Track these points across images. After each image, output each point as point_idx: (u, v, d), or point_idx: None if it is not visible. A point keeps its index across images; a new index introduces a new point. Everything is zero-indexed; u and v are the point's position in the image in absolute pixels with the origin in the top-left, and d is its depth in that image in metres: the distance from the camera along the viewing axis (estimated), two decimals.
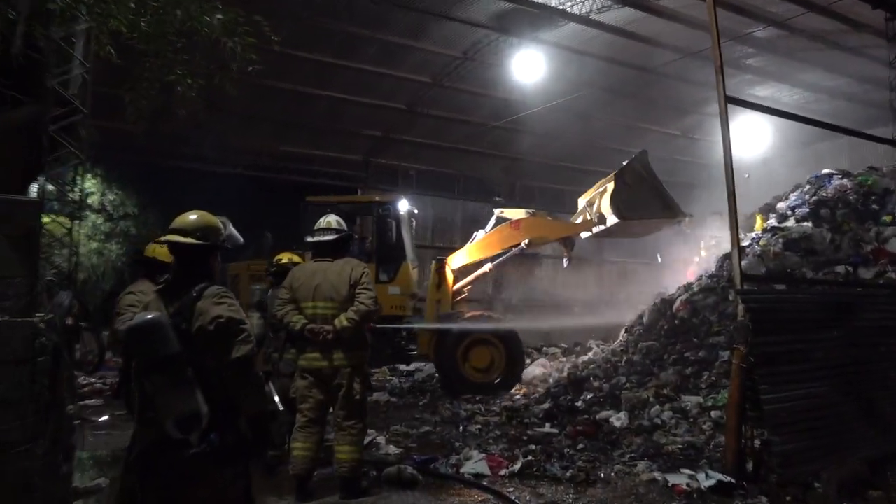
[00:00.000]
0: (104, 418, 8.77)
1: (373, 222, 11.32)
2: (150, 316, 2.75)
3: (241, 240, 3.53)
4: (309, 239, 5.68)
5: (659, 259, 18.37)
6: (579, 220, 10.92)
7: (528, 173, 21.31)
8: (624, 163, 10.26)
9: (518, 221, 11.07)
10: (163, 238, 3.09)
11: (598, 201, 10.27)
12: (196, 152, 16.37)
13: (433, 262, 11.61)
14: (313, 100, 16.17)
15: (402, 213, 11.36)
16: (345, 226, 5.70)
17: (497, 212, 11.94)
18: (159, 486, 2.73)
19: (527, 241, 10.72)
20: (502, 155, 20.29)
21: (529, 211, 11.47)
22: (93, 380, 11.40)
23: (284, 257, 6.94)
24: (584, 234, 10.78)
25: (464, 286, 11.55)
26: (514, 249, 10.93)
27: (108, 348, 12.03)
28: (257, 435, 2.81)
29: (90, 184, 14.51)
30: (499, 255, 11.19)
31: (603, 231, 10.29)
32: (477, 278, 11.55)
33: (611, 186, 9.98)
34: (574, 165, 20.84)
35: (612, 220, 9.89)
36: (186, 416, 2.61)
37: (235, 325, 2.81)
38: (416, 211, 12.40)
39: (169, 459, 2.70)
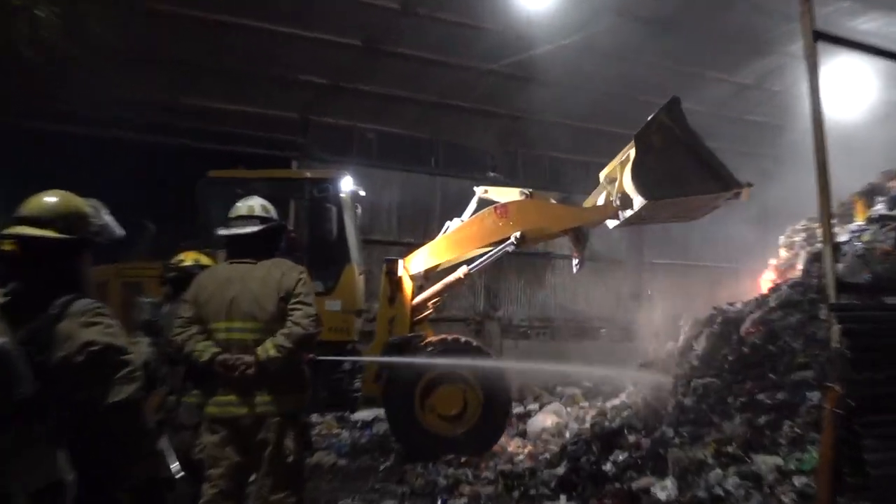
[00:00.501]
0: None
1: (304, 209, 11.23)
2: None
3: (120, 232, 3.44)
4: (221, 231, 5.62)
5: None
6: (595, 204, 10.81)
7: (536, 138, 21.33)
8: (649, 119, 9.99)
9: (505, 206, 10.81)
10: (7, 231, 2.99)
11: (619, 176, 10.09)
12: (66, 109, 16.18)
13: (384, 263, 11.48)
14: (231, 33, 16.03)
15: (344, 195, 11.30)
16: (273, 213, 5.67)
17: (479, 191, 11.72)
18: None
19: (518, 235, 10.48)
20: (499, 112, 20.36)
21: (525, 191, 11.13)
22: None
23: (188, 258, 6.90)
24: (611, 223, 10.52)
25: (429, 299, 11.34)
26: (500, 247, 10.73)
27: None
28: None
29: None
30: (484, 255, 11.02)
31: (631, 217, 10.01)
32: (447, 288, 11.32)
33: (632, 154, 9.77)
34: (599, 127, 20.87)
35: (638, 201, 9.65)
36: (42, 488, 2.55)
37: (114, 354, 2.75)
38: (361, 192, 12.34)
39: None
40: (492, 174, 20.45)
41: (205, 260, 6.88)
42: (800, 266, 11.36)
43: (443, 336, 11.14)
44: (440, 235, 11.47)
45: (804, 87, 6.37)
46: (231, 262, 5.45)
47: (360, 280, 11.45)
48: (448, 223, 11.55)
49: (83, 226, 3.02)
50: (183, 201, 12.73)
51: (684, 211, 10.29)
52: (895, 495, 5.45)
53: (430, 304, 11.48)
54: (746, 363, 9.01)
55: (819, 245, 8.81)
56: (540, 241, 11.36)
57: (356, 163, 18.68)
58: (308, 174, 12.00)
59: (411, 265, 11.29)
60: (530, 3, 15.04)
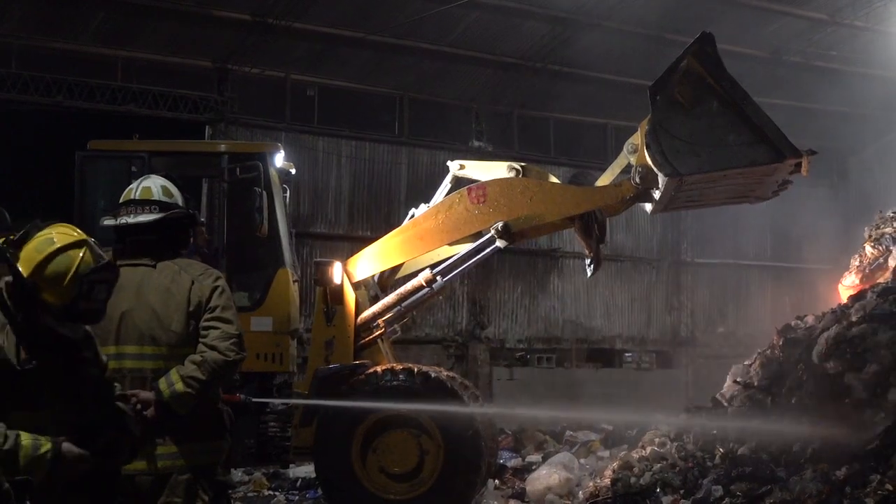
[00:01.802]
0: None
1: (221, 194, 11.21)
2: None
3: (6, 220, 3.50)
4: (107, 222, 5.61)
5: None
6: (608, 181, 10.54)
7: (536, 91, 21.43)
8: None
9: (483, 187, 10.59)
10: None
11: (641, 145, 9.87)
12: None
13: (315, 266, 11.45)
14: None
15: (275, 175, 11.28)
16: (178, 196, 5.65)
17: (453, 167, 11.57)
18: None
19: (500, 226, 10.37)
20: (485, 57, 20.41)
21: (515, 166, 10.86)
22: None
23: None
24: (648, 207, 10.28)
25: (380, 314, 11.20)
26: (479, 247, 10.58)
27: None
28: None
29: None
30: (462, 255, 10.97)
31: (668, 200, 9.71)
32: (403, 299, 11.13)
33: (651, 116, 9.57)
34: (620, 78, 20.95)
35: (662, 179, 9.25)
36: None
37: None
38: (292, 170, 12.23)
39: None
40: (477, 143, 20.49)
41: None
42: (892, 266, 11.46)
43: (391, 366, 10.81)
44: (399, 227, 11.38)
45: (891, 24, 6.45)
46: (122, 264, 5.42)
47: (295, 290, 11.42)
48: (413, 210, 11.37)
49: None
50: (56, 180, 12.70)
51: (738, 190, 10.12)
52: None
53: (381, 321, 11.31)
54: (820, 397, 9.08)
55: None
56: (534, 234, 11.13)
57: (291, 128, 18.75)
58: (226, 146, 11.93)
59: (357, 269, 11.13)
60: None
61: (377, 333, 11.04)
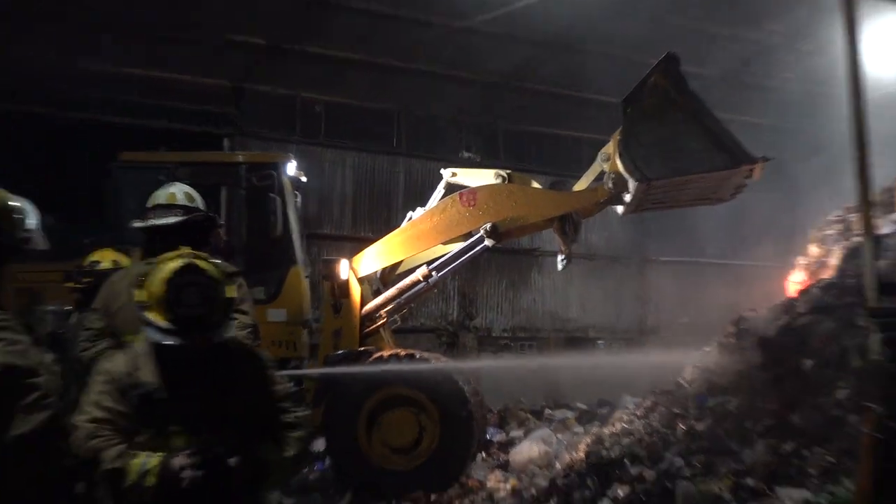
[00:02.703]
0: None
1: (239, 200, 11.18)
2: None
3: (44, 245, 3.43)
4: (137, 224, 5.62)
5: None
6: (584, 186, 10.65)
7: (518, 110, 21.44)
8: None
9: (472, 192, 10.67)
10: None
11: (613, 154, 9.91)
12: None
13: (324, 264, 11.48)
14: None
15: (288, 182, 11.28)
16: (199, 201, 5.67)
17: (446, 175, 11.63)
18: None
19: (488, 227, 10.48)
20: (472, 77, 20.40)
21: (502, 173, 10.98)
22: None
23: (105, 258, 6.89)
24: (620, 210, 9.94)
25: (382, 305, 11.28)
26: (470, 245, 10.64)
27: None
28: None
29: None
30: (454, 252, 11.00)
31: (638, 203, 9.66)
32: (402, 293, 11.16)
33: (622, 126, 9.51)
34: (594, 96, 20.97)
35: (632, 184, 9.33)
36: None
37: (19, 377, 2.74)
38: (303, 178, 12.26)
39: None
40: (466, 154, 20.50)
41: (125, 261, 6.86)
42: (834, 264, 11.49)
43: (393, 351, 11.06)
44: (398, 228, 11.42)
45: (838, 48, 6.47)
46: (149, 263, 5.43)
47: (306, 285, 11.44)
48: (410, 213, 11.50)
49: (13, 230, 3.02)
50: (90, 189, 12.66)
51: (701, 192, 10.08)
52: None
53: (382, 312, 11.39)
54: (770, 380, 9.11)
55: (857, 239, 8.92)
56: (518, 234, 11.12)
57: (301, 141, 18.74)
58: (244, 157, 11.90)
59: (361, 266, 11.25)
60: None
61: (380, 323, 11.29)
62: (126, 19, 16.65)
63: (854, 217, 10.51)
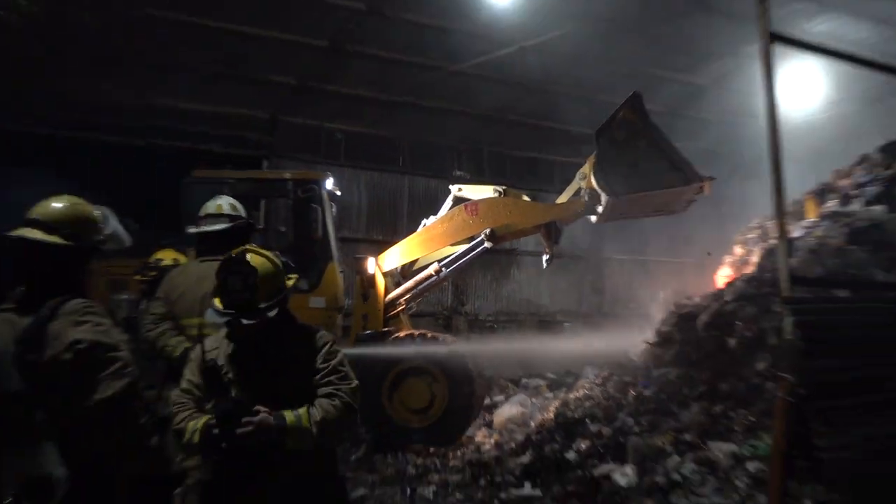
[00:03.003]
0: None
1: (287, 208, 11.22)
2: None
3: (129, 239, 3.45)
4: (191, 230, 5.62)
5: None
6: (565, 200, 10.74)
7: (500, 138, 21.43)
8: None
9: (475, 204, 10.84)
10: (13, 232, 2.95)
11: (588, 174, 10.04)
12: (33, 109, 16.04)
13: (355, 261, 11.64)
14: (200, 35, 15.93)
15: (326, 195, 11.32)
16: (242, 210, 5.66)
17: (454, 189, 11.84)
18: None
19: (488, 232, 10.52)
20: (465, 111, 20.34)
21: (498, 188, 11.17)
22: None
23: (167, 256, 6.88)
24: (593, 218, 10.16)
25: (400, 295, 11.45)
26: (473, 246, 10.80)
27: None
28: None
29: None
30: (459, 252, 11.09)
31: (607, 213, 9.78)
32: (419, 284, 11.35)
33: (596, 151, 9.67)
34: (563, 127, 20.99)
35: (604, 198, 9.55)
36: (32, 482, 2.54)
37: (102, 351, 2.72)
38: (337, 192, 12.31)
39: None
40: (458, 172, 20.45)
41: (183, 259, 6.86)
42: (754, 261, 11.49)
43: (410, 331, 11.18)
44: (415, 232, 11.55)
45: (758, 89, 6.47)
46: (202, 260, 5.42)
47: (340, 277, 11.48)
48: (424, 220, 11.62)
49: (90, 233, 3.00)
50: (158, 199, 12.62)
51: (659, 205, 10.25)
52: (844, 478, 5.56)
53: (402, 300, 11.50)
54: (703, 355, 9.11)
55: (773, 241, 8.92)
56: (511, 238, 11.19)
57: (324, 162, 18.70)
58: (292, 175, 11.88)
59: (385, 262, 11.42)
60: (493, 5, 15.05)
61: (399, 309, 11.45)
62: (184, 64, 16.64)
63: (770, 223, 10.51)
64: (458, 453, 9.72)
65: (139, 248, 8.07)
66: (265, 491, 3.24)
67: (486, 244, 10.61)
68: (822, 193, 12.66)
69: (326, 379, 3.10)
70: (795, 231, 10.40)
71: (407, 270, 11.69)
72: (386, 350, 10.64)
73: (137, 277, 7.36)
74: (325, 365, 3.17)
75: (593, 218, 10.01)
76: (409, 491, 8.01)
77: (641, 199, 9.81)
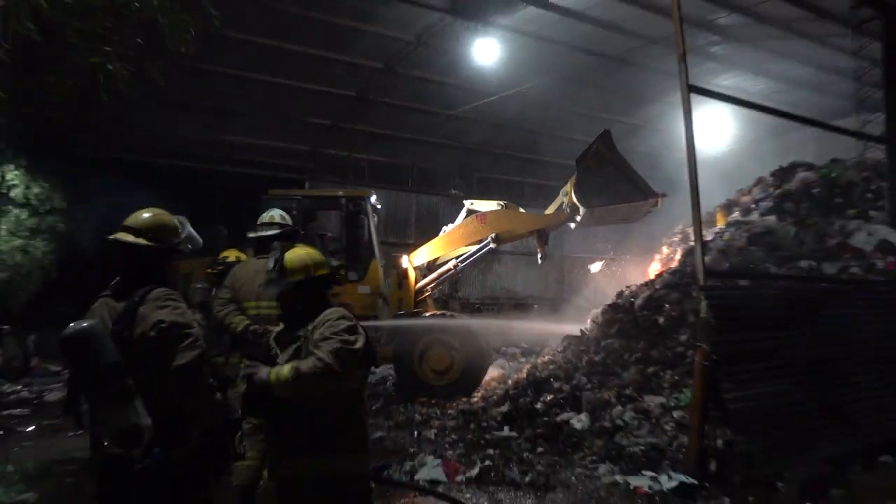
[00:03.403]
0: (31, 428, 8.56)
1: (341, 218, 11.26)
2: (84, 324, 2.66)
3: (201, 241, 3.48)
4: (251, 234, 5.63)
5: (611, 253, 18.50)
6: (552, 212, 10.85)
7: (486, 164, 21.44)
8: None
9: (484, 214, 11.01)
10: (111, 236, 2.99)
11: (570, 191, 10.20)
12: (128, 143, 16.06)
13: (393, 257, 11.70)
14: (256, 86, 15.96)
15: (370, 208, 11.37)
16: (289, 220, 5.67)
17: (467, 203, 11.92)
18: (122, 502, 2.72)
19: (493, 236, 10.66)
20: (458, 145, 20.36)
21: (501, 203, 11.36)
22: (18, 387, 11.12)
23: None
24: (573, 226, 10.42)
25: (427, 284, 11.51)
26: (482, 245, 10.87)
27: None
28: (211, 448, 2.76)
29: (12, 175, 14.10)
30: (470, 252, 11.16)
31: (584, 221, 10.03)
32: (441, 276, 11.47)
33: (576, 174, 9.87)
34: (533, 157, 21.11)
35: (581, 209, 9.75)
36: (124, 431, 2.56)
37: (179, 329, 2.74)
38: (378, 206, 12.33)
39: (120, 476, 2.67)
40: (453, 192, 20.41)
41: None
42: (677, 258, 11.48)
43: (434, 311, 11.32)
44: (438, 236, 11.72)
45: (681, 128, 6.48)
46: (258, 258, 5.43)
47: (381, 270, 11.51)
48: (444, 227, 11.77)
49: (170, 237, 3.03)
50: (223, 212, 12.60)
51: (624, 215, 10.31)
52: (747, 424, 5.56)
53: (428, 287, 11.61)
54: (639, 329, 9.09)
55: (692, 243, 8.95)
56: (512, 240, 11.33)
57: (352, 184, 18.68)
58: (345, 192, 11.92)
59: (415, 259, 11.52)
60: (480, 65, 15.08)
61: (426, 295, 11.60)
62: (243, 107, 16.63)
63: (689, 229, 10.50)
64: (454, 404, 9.69)
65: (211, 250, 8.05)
66: (278, 434, 3.17)
67: (492, 245, 10.78)
68: (728, 207, 12.67)
69: (318, 343, 3.04)
70: (709, 235, 10.40)
71: (431, 265, 11.72)
72: (416, 325, 10.72)
73: (209, 270, 7.32)
74: (322, 330, 3.11)
75: (572, 225, 10.23)
76: (416, 433, 7.99)
77: (610, 211, 9.91)
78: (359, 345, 3.08)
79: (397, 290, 11.35)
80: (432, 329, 10.72)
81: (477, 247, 11.00)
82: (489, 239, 10.70)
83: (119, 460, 2.62)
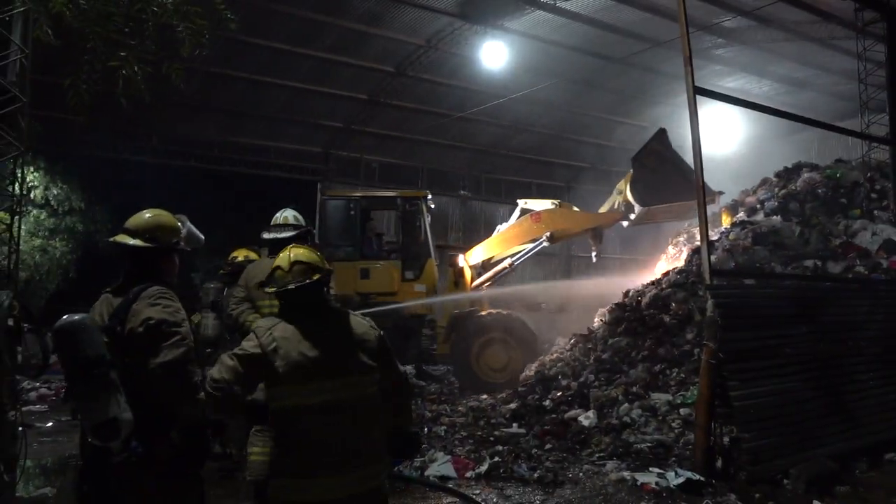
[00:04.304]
0: (49, 424, 8.62)
1: (397, 218, 11.31)
2: (75, 317, 2.69)
3: (203, 239, 3.50)
4: (265, 235, 5.62)
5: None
6: (606, 210, 10.78)
7: (494, 166, 21.38)
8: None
9: (539, 213, 10.98)
10: (111, 238, 3.03)
11: (624, 188, 10.14)
12: (145, 144, 16.13)
13: (449, 256, 11.84)
14: (269, 89, 15.98)
15: (426, 208, 11.40)
16: (303, 221, 5.66)
17: (521, 203, 11.87)
18: (100, 495, 2.73)
19: (548, 234, 10.62)
20: (467, 147, 20.31)
21: (555, 202, 11.37)
22: (37, 384, 11.18)
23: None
24: (626, 224, 10.43)
25: (482, 282, 11.50)
26: (536, 244, 10.86)
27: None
28: (191, 446, 2.75)
29: (32, 177, 14.18)
30: (525, 251, 11.17)
31: (637, 219, 9.99)
32: (496, 274, 11.45)
33: (631, 172, 9.83)
34: (541, 158, 21.04)
35: (637, 207, 9.71)
36: (103, 423, 2.57)
37: (167, 326, 2.74)
38: (432, 205, 12.30)
39: (103, 468, 2.69)
40: (462, 192, 20.44)
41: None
42: (684, 258, 11.44)
43: (491, 310, 11.29)
44: (492, 236, 11.78)
45: (687, 129, 6.45)
46: (272, 258, 5.42)
47: (436, 269, 11.52)
48: (498, 227, 11.83)
49: (167, 236, 3.05)
50: (234, 212, 12.61)
51: (677, 213, 10.25)
52: (753, 421, 5.54)
53: (484, 286, 11.57)
54: (646, 328, 9.07)
55: (698, 243, 8.91)
56: (566, 239, 11.45)
57: (363, 185, 18.67)
58: (401, 193, 11.95)
59: (470, 258, 11.56)
60: (489, 68, 15.07)
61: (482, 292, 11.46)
62: (257, 110, 16.68)
63: (695, 229, 10.47)
64: (464, 401, 9.69)
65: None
66: None
67: (546, 244, 10.76)
68: (734, 207, 12.62)
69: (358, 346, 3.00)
70: (714, 235, 10.34)
71: (486, 264, 11.69)
72: (473, 323, 10.79)
73: (222, 271, 7.33)
74: (357, 336, 3.06)
75: (625, 224, 10.22)
76: (426, 430, 7.98)
77: (664, 209, 9.84)
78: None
79: (454, 288, 11.42)
80: (489, 327, 10.73)
81: (531, 246, 10.98)
82: (544, 238, 10.68)
83: (99, 452, 2.64)
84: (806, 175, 11.78)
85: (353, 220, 11.31)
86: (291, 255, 2.99)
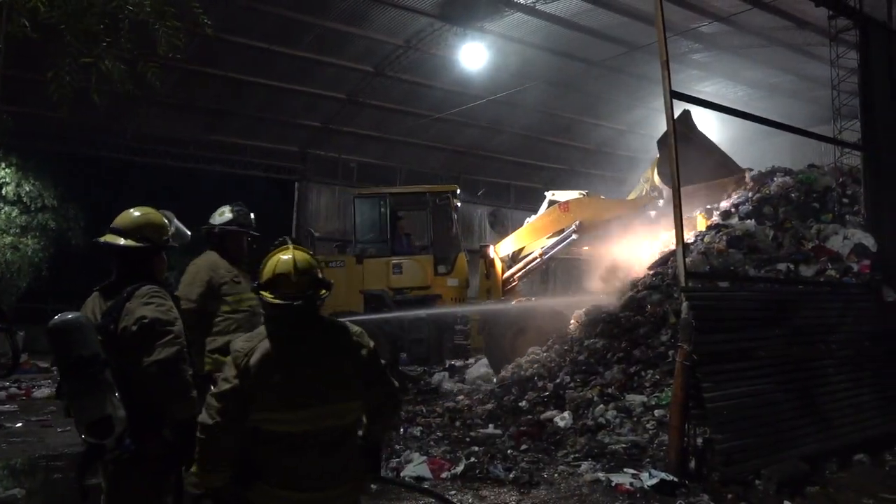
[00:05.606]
0: (19, 425, 8.47)
1: (428, 214, 11.28)
2: (69, 316, 2.68)
3: (189, 235, 3.47)
4: (203, 227, 5.43)
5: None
6: (635, 197, 10.74)
7: (472, 166, 21.42)
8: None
9: (567, 203, 10.99)
10: (100, 239, 2.98)
11: (651, 174, 10.04)
12: (119, 142, 15.95)
13: (480, 248, 11.83)
14: (247, 87, 15.90)
15: (455, 203, 11.38)
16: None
17: (549, 195, 11.87)
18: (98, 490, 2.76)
19: (577, 224, 10.62)
20: (445, 147, 20.35)
21: (582, 192, 11.42)
22: (7, 384, 11.01)
23: None
24: (653, 213, 10.28)
25: (514, 273, 11.51)
26: (565, 235, 10.85)
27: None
28: (183, 444, 2.73)
29: (4, 173, 13.97)
30: (554, 241, 11.15)
31: (664, 204, 9.71)
32: (527, 265, 11.48)
33: (657, 157, 9.68)
34: (518, 159, 21.11)
35: (666, 191, 9.43)
36: (96, 421, 2.56)
37: (160, 325, 2.75)
38: (458, 203, 12.25)
39: (95, 464, 2.71)
40: None
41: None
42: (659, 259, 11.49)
43: (524, 299, 11.32)
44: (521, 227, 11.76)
45: (663, 132, 6.50)
46: (213, 253, 5.22)
47: (466, 263, 11.58)
48: (528, 219, 11.78)
49: (157, 235, 3.03)
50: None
51: (708, 194, 10.10)
52: (725, 421, 5.58)
53: (515, 277, 11.59)
54: (621, 329, 9.09)
55: (674, 245, 8.98)
56: (593, 229, 11.04)
57: (341, 184, 18.63)
58: (431, 189, 12.00)
59: (500, 249, 11.54)
60: (468, 70, 15.10)
61: (513, 284, 11.57)
62: (235, 108, 16.56)
63: (671, 232, 10.52)
64: (440, 402, 9.66)
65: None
66: None
67: (574, 235, 10.77)
68: (709, 210, 12.70)
69: (365, 368, 2.91)
70: (689, 238, 10.40)
71: (516, 255, 11.69)
72: (505, 312, 10.78)
73: None
74: (362, 354, 2.91)
75: (653, 214, 10.13)
76: (402, 430, 7.95)
77: (694, 190, 9.54)
78: None
79: (485, 280, 11.38)
80: (522, 316, 10.75)
81: (559, 237, 11.04)
82: (573, 227, 10.69)
83: (93, 449, 2.65)
84: (779, 179, 11.86)
85: (383, 216, 11.48)
86: (298, 261, 2.55)
